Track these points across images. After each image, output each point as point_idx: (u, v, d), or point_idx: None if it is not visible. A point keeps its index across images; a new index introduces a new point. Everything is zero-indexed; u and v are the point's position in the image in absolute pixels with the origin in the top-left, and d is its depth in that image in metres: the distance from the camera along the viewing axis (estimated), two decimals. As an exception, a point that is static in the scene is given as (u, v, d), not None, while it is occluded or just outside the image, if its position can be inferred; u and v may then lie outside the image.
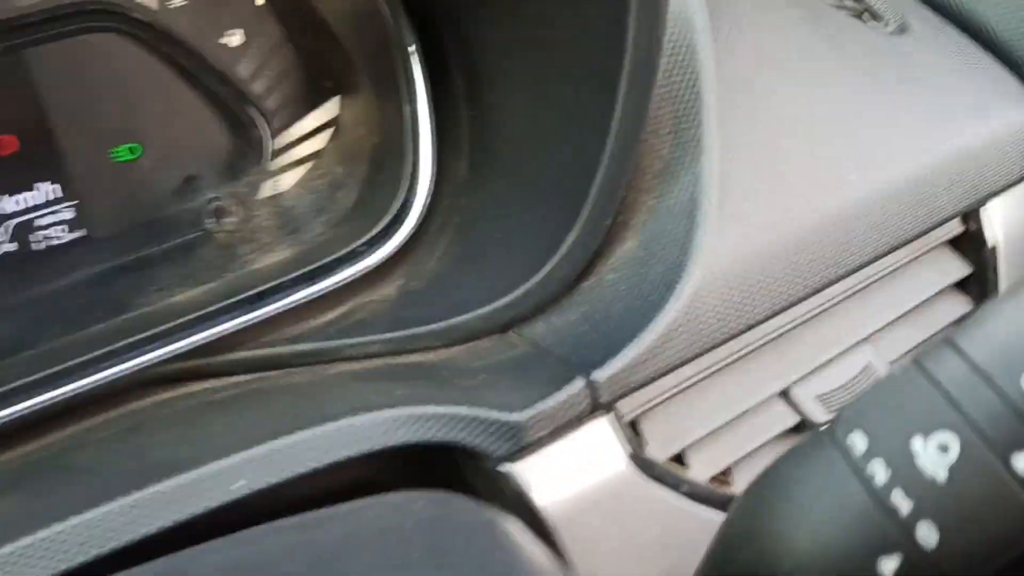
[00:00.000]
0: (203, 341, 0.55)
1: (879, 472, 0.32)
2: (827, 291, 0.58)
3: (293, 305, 0.57)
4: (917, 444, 0.32)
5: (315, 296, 0.58)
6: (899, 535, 0.32)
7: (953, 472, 0.31)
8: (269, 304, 0.57)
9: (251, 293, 0.57)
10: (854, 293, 0.61)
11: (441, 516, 0.42)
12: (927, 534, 0.32)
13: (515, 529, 0.44)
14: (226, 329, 0.56)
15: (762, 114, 0.58)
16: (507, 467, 0.48)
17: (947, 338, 0.34)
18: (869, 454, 0.33)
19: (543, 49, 0.57)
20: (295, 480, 0.45)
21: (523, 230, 0.58)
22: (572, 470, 0.49)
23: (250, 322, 0.56)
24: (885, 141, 0.60)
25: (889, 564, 0.32)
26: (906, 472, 0.32)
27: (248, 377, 0.57)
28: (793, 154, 0.57)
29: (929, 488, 0.32)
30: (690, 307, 0.51)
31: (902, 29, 0.67)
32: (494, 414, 0.47)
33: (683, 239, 0.52)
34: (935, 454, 0.32)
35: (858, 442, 0.33)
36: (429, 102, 0.62)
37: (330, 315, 0.59)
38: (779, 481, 0.35)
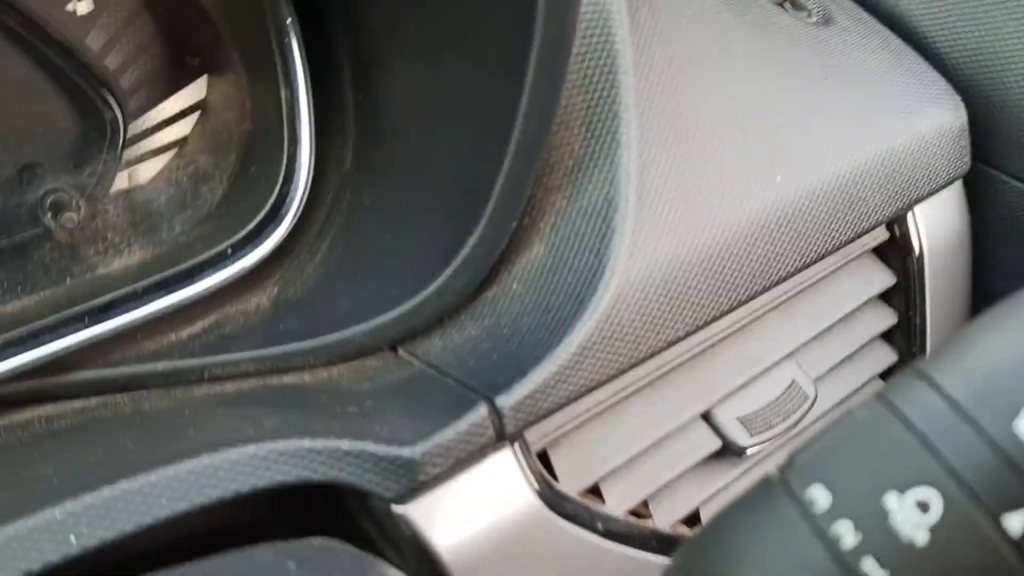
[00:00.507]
0: (41, 360, 0.47)
1: (846, 535, 0.27)
2: (749, 304, 0.53)
3: (148, 317, 0.49)
4: (891, 501, 0.27)
5: (174, 306, 0.50)
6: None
7: (935, 534, 0.26)
8: (118, 315, 0.48)
9: (97, 303, 0.48)
10: (776, 306, 0.56)
11: (317, 572, 0.35)
12: (906, 609, 0.26)
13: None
14: (67, 346, 0.47)
15: (682, 108, 0.53)
16: (400, 508, 0.41)
17: (919, 371, 0.29)
18: (833, 512, 0.27)
19: (441, 26, 0.50)
20: (141, 533, 0.38)
21: (417, 233, 0.51)
22: (475, 509, 0.43)
23: (97, 338, 0.48)
24: (811, 140, 0.55)
25: (860, 644, 0.27)
26: (879, 535, 0.27)
27: (95, 401, 0.49)
28: (715, 152, 0.52)
29: (906, 554, 0.26)
30: (605, 322, 0.45)
31: (826, 20, 0.63)
32: (382, 448, 0.40)
33: (597, 245, 0.46)
34: (913, 513, 0.26)
35: (819, 498, 0.28)
36: (308, 84, 0.54)
37: (192, 328, 0.51)
38: (725, 539, 0.29)
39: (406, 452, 0.40)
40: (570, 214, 0.48)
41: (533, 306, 0.46)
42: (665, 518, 0.50)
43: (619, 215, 0.46)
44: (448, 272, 0.47)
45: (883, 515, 0.27)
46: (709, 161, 0.51)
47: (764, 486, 0.30)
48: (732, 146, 0.52)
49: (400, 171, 0.53)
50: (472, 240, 0.47)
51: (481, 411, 0.42)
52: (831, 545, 0.27)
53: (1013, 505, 0.26)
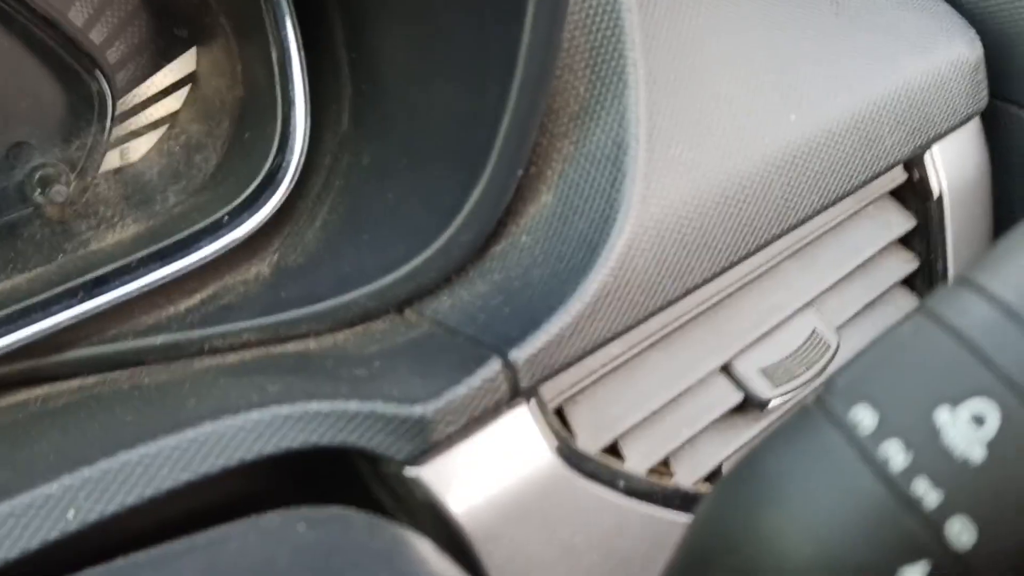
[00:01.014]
0: (32, 338, 0.45)
1: (896, 455, 0.25)
2: (766, 251, 0.51)
3: (144, 290, 0.47)
4: (943, 416, 0.25)
5: (171, 278, 0.48)
6: (926, 535, 0.25)
7: (992, 449, 0.24)
8: (113, 289, 0.46)
9: (90, 277, 0.46)
10: (794, 253, 0.54)
11: (329, 539, 0.33)
12: (960, 531, 0.24)
13: (423, 547, 0.35)
14: (60, 322, 0.45)
15: (689, 47, 0.50)
16: (413, 471, 0.39)
17: (964, 278, 0.27)
18: (880, 432, 0.25)
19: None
20: (145, 505, 0.36)
21: (419, 189, 0.49)
22: (491, 470, 0.41)
23: (90, 312, 0.46)
24: (825, 79, 0.53)
25: (914, 573, 0.25)
26: (931, 453, 0.25)
27: (92, 379, 0.47)
28: (727, 93, 0.50)
29: (962, 472, 0.24)
30: (619, 270, 0.43)
31: (833, -42, 0.60)
32: (392, 408, 0.38)
33: (608, 190, 0.44)
34: (967, 428, 0.24)
35: (864, 418, 0.26)
36: (300, 45, 0.52)
37: (191, 300, 0.49)
38: (763, 472, 0.27)
39: (417, 410, 0.38)
40: (578, 160, 0.46)
41: (544, 257, 0.44)
42: (688, 475, 0.48)
43: (629, 158, 0.44)
44: (453, 227, 0.45)
45: (935, 432, 0.25)
46: (720, 101, 0.49)
47: (802, 413, 0.28)
48: (744, 85, 0.50)
49: (399, 128, 0.51)
50: (476, 193, 0.45)
51: (494, 365, 0.40)
52: (880, 468, 0.25)
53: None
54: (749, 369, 0.50)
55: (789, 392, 0.51)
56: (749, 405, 0.50)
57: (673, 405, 0.48)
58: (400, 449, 0.39)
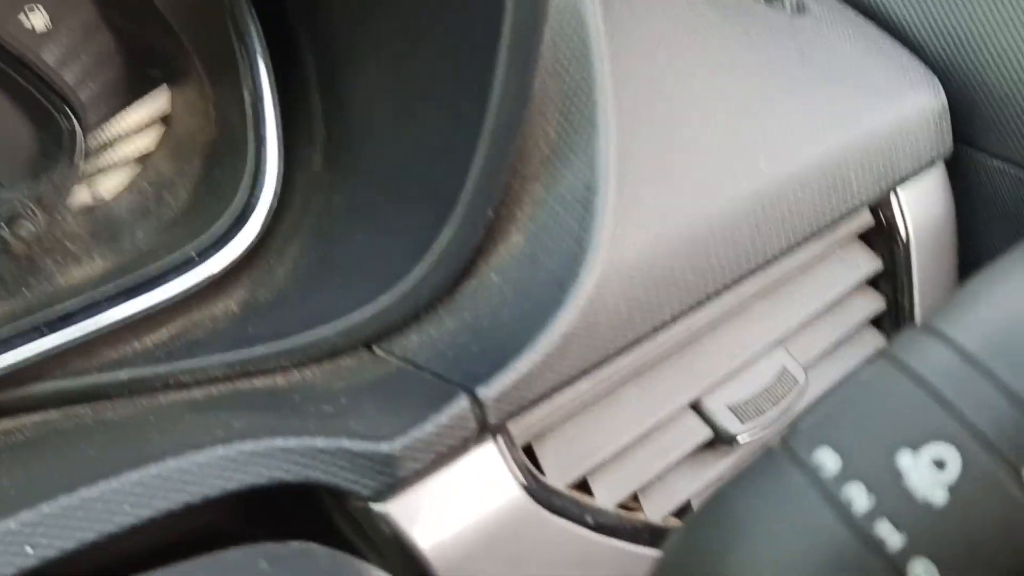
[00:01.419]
0: (-4, 373, 0.44)
1: (858, 498, 0.25)
2: (736, 290, 0.51)
3: (110, 326, 0.47)
4: (905, 460, 0.25)
5: (138, 314, 0.47)
6: (888, 574, 0.25)
7: (953, 493, 0.24)
8: (78, 324, 0.46)
9: (56, 311, 0.46)
10: (763, 293, 0.54)
11: (291, 572, 0.33)
12: (922, 573, 0.24)
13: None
14: (25, 358, 0.45)
15: (659, 96, 0.51)
16: (379, 507, 0.39)
17: (925, 326, 0.27)
18: (843, 475, 0.25)
19: (408, 18, 0.49)
20: (105, 541, 0.35)
21: (390, 229, 0.49)
22: (458, 506, 0.40)
23: (56, 349, 0.46)
24: (792, 126, 0.54)
25: (876, 612, 0.25)
26: (893, 496, 0.25)
27: (55, 414, 0.46)
28: (696, 138, 0.50)
29: (924, 515, 0.24)
30: (589, 308, 0.43)
31: (800, 9, 0.62)
32: (359, 445, 0.38)
33: (578, 231, 0.44)
34: (929, 471, 0.25)
35: (827, 461, 0.26)
36: (273, 87, 0.53)
37: (158, 336, 0.49)
38: (728, 513, 0.27)
39: (383, 447, 0.38)
40: (548, 202, 0.46)
41: (513, 296, 0.44)
42: (656, 510, 0.48)
43: (599, 200, 0.45)
44: (423, 267, 0.45)
45: (897, 475, 0.25)
46: (689, 144, 0.50)
47: (766, 455, 0.28)
48: (712, 130, 0.51)
49: (370, 169, 0.52)
50: (447, 234, 0.45)
51: (462, 403, 0.40)
52: (843, 510, 0.25)
53: (1033, 458, 0.24)
54: (718, 406, 0.51)
55: (757, 429, 0.51)
56: (718, 441, 0.51)
57: (643, 441, 0.48)
58: (366, 485, 0.39)
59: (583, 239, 0.44)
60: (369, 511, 0.39)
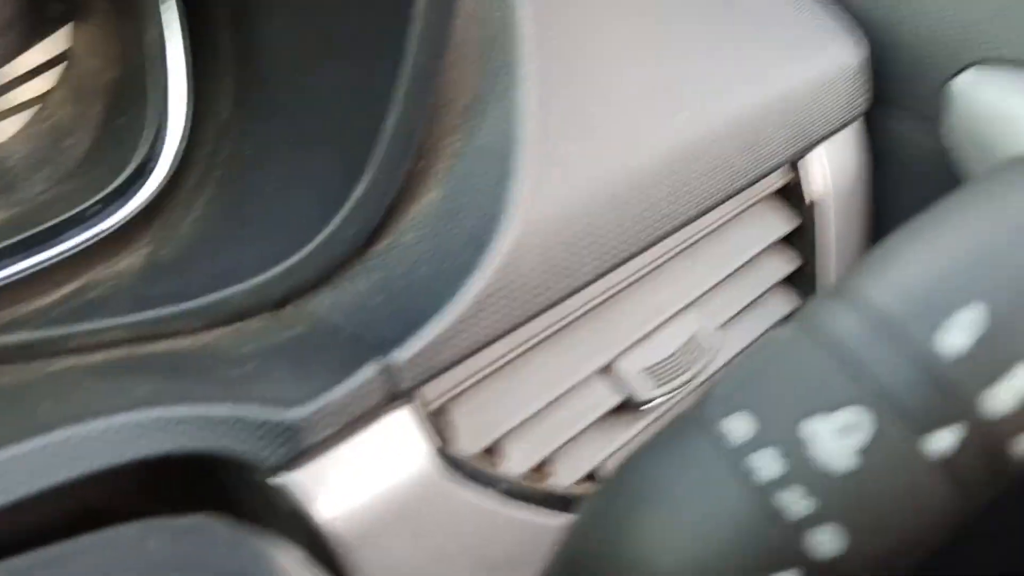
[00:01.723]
0: None
1: (768, 465, 0.25)
2: (651, 251, 0.51)
3: (3, 282, 0.44)
4: (816, 425, 0.25)
5: (33, 271, 0.45)
6: (795, 544, 0.25)
7: (862, 458, 0.24)
8: (-32, 282, 0.43)
9: (-60, 269, 0.43)
10: (678, 254, 0.54)
11: (186, 552, 0.32)
12: (831, 539, 0.24)
13: (289, 558, 0.34)
14: (-92, 317, 0.42)
15: (582, 46, 0.50)
16: (281, 478, 0.38)
17: (838, 290, 0.27)
18: (754, 442, 0.25)
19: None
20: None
21: (302, 181, 0.47)
22: (365, 475, 0.39)
23: (-60, 308, 0.43)
24: (713, 79, 0.53)
25: (782, 584, 0.25)
26: (803, 463, 0.25)
27: (-57, 378, 0.44)
28: (617, 91, 0.49)
29: (833, 481, 0.24)
30: (506, 269, 0.42)
31: (722, -41, 0.60)
32: (262, 413, 0.37)
33: (496, 187, 0.43)
34: (840, 437, 0.25)
35: (738, 427, 0.26)
36: (184, 27, 0.50)
37: (55, 294, 0.46)
38: (637, 481, 0.27)
39: (289, 415, 0.37)
40: (467, 155, 0.45)
41: (430, 255, 0.43)
42: (567, 476, 0.48)
43: (518, 154, 0.43)
44: (336, 223, 0.44)
45: (807, 442, 0.25)
46: (610, 98, 0.49)
47: (679, 422, 0.28)
48: (633, 83, 0.50)
49: (283, 116, 0.49)
50: (361, 187, 0.44)
51: (372, 368, 0.39)
52: (751, 478, 0.25)
53: (937, 424, 0.24)
54: (630, 370, 0.50)
55: (670, 393, 0.51)
56: (630, 406, 0.50)
57: (555, 406, 0.48)
58: (270, 455, 0.37)
59: (502, 195, 0.43)
60: (271, 483, 0.38)
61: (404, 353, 0.39)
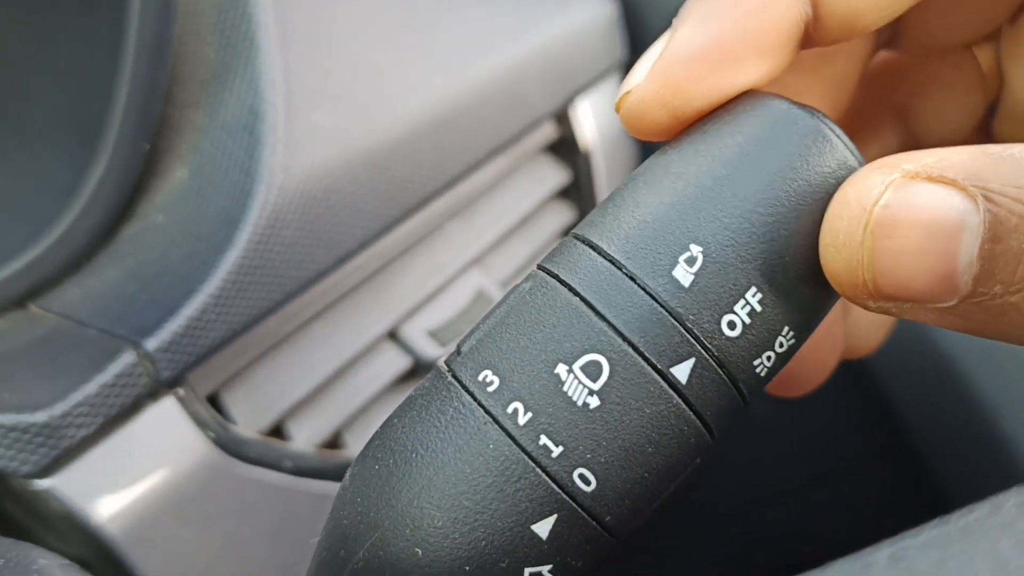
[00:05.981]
0: None
1: (519, 414, 0.25)
2: (426, 212, 0.50)
3: None
4: (560, 370, 0.25)
5: None
6: (550, 489, 0.25)
7: (603, 397, 0.25)
8: None
9: None
10: (455, 214, 0.54)
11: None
12: (580, 481, 0.25)
13: (54, 567, 0.32)
14: None
15: (327, 12, 0.49)
16: (43, 483, 0.35)
17: (575, 235, 0.27)
18: (504, 393, 0.25)
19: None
20: None
21: (34, 171, 0.44)
22: (137, 469, 0.37)
23: None
24: (468, 40, 0.53)
25: (543, 527, 0.25)
26: (550, 408, 0.25)
27: None
28: (368, 56, 0.48)
29: (577, 423, 0.25)
30: (263, 244, 0.41)
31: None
32: (10, 418, 0.34)
33: (245, 161, 0.42)
34: (582, 380, 0.25)
35: (488, 380, 0.26)
36: None
37: None
38: (398, 441, 0.27)
39: (40, 417, 0.35)
40: (212, 130, 0.43)
41: (181, 237, 0.41)
42: (361, 446, 0.47)
43: (265, 125, 0.42)
44: (75, 210, 0.41)
45: (552, 387, 0.25)
46: (362, 64, 0.48)
47: (431, 380, 0.27)
48: (385, 47, 0.49)
49: (6, 105, 0.46)
50: (99, 171, 0.41)
51: (128, 358, 0.37)
52: (505, 427, 0.25)
53: (672, 359, 0.25)
54: (416, 333, 0.50)
55: (458, 352, 0.51)
56: (420, 369, 0.50)
57: (340, 377, 0.47)
58: (24, 461, 0.35)
59: (251, 169, 0.41)
60: (33, 489, 0.35)
61: (159, 340, 0.38)
